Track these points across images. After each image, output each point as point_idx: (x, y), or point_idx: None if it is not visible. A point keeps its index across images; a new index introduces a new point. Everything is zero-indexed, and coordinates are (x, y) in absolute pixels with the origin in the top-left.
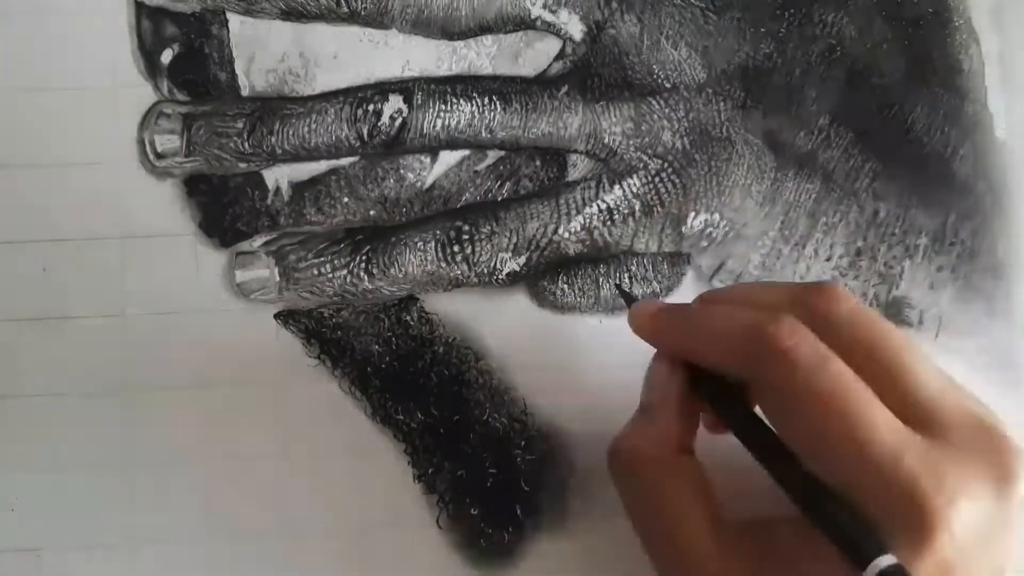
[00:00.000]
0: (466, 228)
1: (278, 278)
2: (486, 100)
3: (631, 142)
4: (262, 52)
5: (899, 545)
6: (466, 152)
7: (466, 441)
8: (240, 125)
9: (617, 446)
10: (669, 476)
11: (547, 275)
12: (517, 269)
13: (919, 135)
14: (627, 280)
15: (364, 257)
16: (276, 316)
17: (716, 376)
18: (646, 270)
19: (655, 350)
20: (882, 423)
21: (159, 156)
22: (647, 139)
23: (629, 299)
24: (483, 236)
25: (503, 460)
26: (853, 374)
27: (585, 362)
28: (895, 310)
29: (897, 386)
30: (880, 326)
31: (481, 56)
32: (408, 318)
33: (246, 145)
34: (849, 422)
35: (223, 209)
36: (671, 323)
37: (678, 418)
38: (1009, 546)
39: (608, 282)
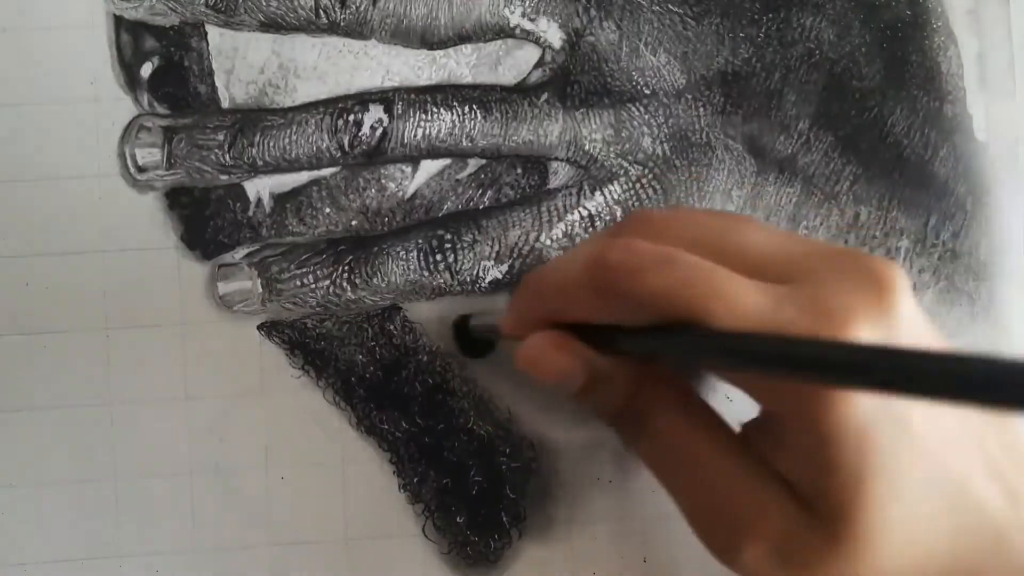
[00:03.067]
0: (448, 237)
1: (260, 289)
2: (466, 109)
3: (611, 149)
4: (242, 64)
5: (816, 396)
6: (447, 161)
7: (451, 450)
8: (221, 137)
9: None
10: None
11: None
12: (500, 277)
13: (899, 138)
14: None
15: (347, 267)
16: (259, 327)
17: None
18: None
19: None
20: (744, 288)
21: (140, 169)
22: (627, 146)
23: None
24: (465, 244)
25: (488, 468)
26: (697, 258)
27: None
28: None
29: (737, 258)
30: (698, 215)
31: (461, 65)
32: (392, 327)
33: (227, 157)
34: (715, 299)
35: (205, 221)
36: (522, 304)
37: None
38: None
39: None
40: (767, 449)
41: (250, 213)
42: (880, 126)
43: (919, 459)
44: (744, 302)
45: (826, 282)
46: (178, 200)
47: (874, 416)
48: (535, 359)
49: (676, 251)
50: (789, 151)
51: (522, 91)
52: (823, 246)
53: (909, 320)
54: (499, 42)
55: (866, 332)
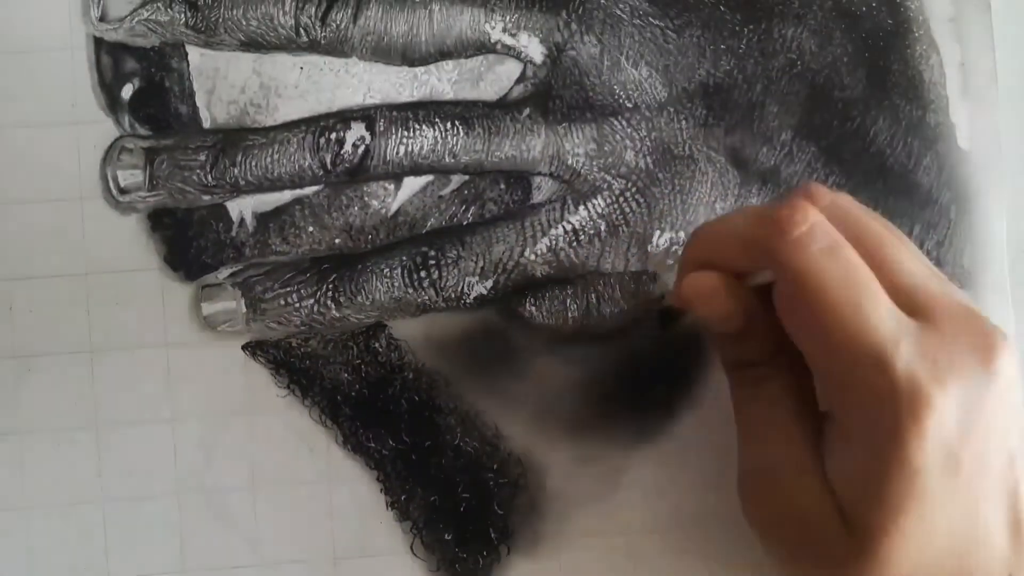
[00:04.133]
0: (432, 253)
1: (245, 309)
2: (448, 125)
3: (594, 163)
4: (223, 84)
5: (903, 428)
6: (430, 178)
7: (438, 466)
8: (202, 158)
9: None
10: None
11: (515, 298)
12: (484, 293)
13: (882, 147)
14: (594, 299)
15: (331, 286)
16: (244, 347)
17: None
18: (613, 289)
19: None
20: (885, 310)
21: (122, 191)
22: (610, 159)
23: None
24: (449, 261)
25: (476, 484)
26: (860, 261)
27: (557, 384)
28: None
29: (886, 275)
30: (864, 216)
31: (442, 81)
32: (377, 345)
33: (209, 177)
34: (856, 308)
35: (188, 242)
36: (688, 253)
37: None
38: (1005, 419)
39: (575, 303)
40: (825, 451)
41: (233, 233)
42: (863, 136)
43: (954, 505)
44: (873, 325)
45: (946, 333)
46: (161, 221)
47: (933, 460)
48: (701, 296)
49: (846, 243)
50: (772, 162)
51: (504, 106)
52: (957, 297)
53: (1001, 393)
54: (480, 58)
55: (959, 391)
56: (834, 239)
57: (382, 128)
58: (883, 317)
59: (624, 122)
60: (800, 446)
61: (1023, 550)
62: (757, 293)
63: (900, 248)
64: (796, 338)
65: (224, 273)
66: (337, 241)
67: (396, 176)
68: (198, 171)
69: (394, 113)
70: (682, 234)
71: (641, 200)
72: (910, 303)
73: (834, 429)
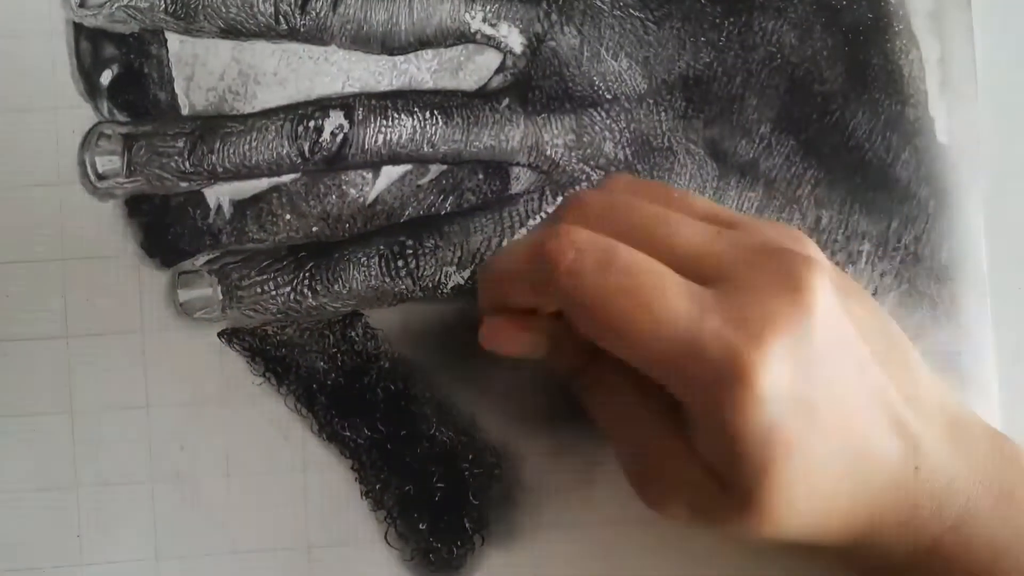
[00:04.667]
0: (410, 243)
1: (221, 296)
2: (427, 114)
3: (573, 154)
4: (202, 71)
5: (728, 402)
6: (408, 167)
7: (413, 456)
8: (180, 144)
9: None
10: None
11: None
12: (462, 283)
13: (860, 141)
14: None
15: (308, 274)
16: (220, 335)
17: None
18: None
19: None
20: (676, 297)
21: (100, 177)
22: (589, 150)
23: None
24: (427, 250)
25: (451, 474)
26: (639, 254)
27: (532, 375)
28: None
29: (666, 253)
30: (632, 202)
31: (422, 70)
32: (353, 334)
33: (187, 164)
34: (646, 310)
35: (165, 229)
36: (480, 291)
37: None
38: (839, 339)
39: None
40: (689, 428)
41: (210, 220)
42: (842, 130)
43: (823, 439)
44: (670, 317)
45: (747, 287)
46: (138, 207)
47: (780, 413)
48: (497, 341)
49: (618, 248)
50: (751, 155)
51: (483, 96)
52: (747, 243)
53: (824, 320)
54: (460, 47)
55: (780, 341)
56: (605, 252)
57: (361, 117)
58: (676, 306)
59: (603, 113)
60: (660, 430)
61: (913, 442)
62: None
63: (673, 220)
64: (608, 351)
65: (201, 260)
66: (315, 229)
67: (374, 165)
68: (176, 158)
69: (373, 102)
70: None
71: None
72: (700, 272)
73: (686, 408)
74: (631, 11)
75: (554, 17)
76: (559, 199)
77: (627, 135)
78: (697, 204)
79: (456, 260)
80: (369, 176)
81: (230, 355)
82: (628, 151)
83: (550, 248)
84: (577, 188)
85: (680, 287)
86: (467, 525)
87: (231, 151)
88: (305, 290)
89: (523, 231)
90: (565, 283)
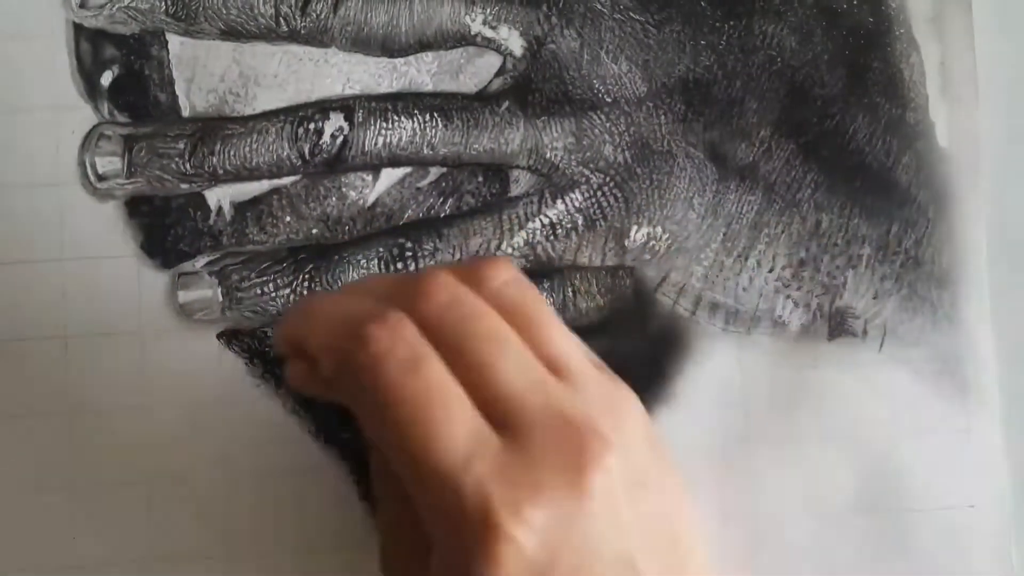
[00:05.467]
0: (409, 245)
1: (221, 298)
2: (427, 117)
3: (573, 157)
4: (202, 72)
5: (474, 559)
6: (408, 169)
7: None
8: (181, 146)
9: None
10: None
11: None
12: None
13: (861, 145)
14: (571, 293)
15: (307, 276)
16: (219, 336)
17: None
18: (589, 284)
19: None
20: (460, 429)
21: (100, 178)
22: (589, 153)
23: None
24: (426, 253)
25: None
26: (447, 376)
27: None
28: (839, 320)
29: (481, 385)
30: (476, 314)
31: (422, 73)
32: None
33: (187, 166)
34: (427, 427)
35: (165, 230)
36: (292, 315)
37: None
38: (605, 533)
39: (551, 297)
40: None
41: (211, 222)
42: (842, 133)
43: None
44: (443, 447)
45: (533, 450)
46: (138, 209)
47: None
48: (303, 388)
49: (430, 357)
50: (750, 159)
51: (483, 99)
52: (559, 407)
53: (593, 509)
54: (460, 50)
55: (538, 514)
56: (417, 354)
57: (361, 119)
58: (455, 437)
59: (603, 116)
60: (416, 540)
61: None
62: None
63: (509, 352)
64: (377, 445)
65: (201, 261)
66: (314, 231)
67: (374, 167)
68: (176, 159)
69: (373, 104)
70: (659, 229)
71: (619, 195)
72: (502, 416)
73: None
74: (631, 14)
75: (554, 20)
76: (558, 202)
77: (627, 138)
78: (554, 338)
79: (455, 262)
80: (369, 178)
81: (229, 357)
82: (628, 154)
83: (369, 330)
84: (575, 191)
85: (468, 424)
86: None
87: (231, 153)
88: (305, 292)
89: (522, 234)
90: (368, 363)
